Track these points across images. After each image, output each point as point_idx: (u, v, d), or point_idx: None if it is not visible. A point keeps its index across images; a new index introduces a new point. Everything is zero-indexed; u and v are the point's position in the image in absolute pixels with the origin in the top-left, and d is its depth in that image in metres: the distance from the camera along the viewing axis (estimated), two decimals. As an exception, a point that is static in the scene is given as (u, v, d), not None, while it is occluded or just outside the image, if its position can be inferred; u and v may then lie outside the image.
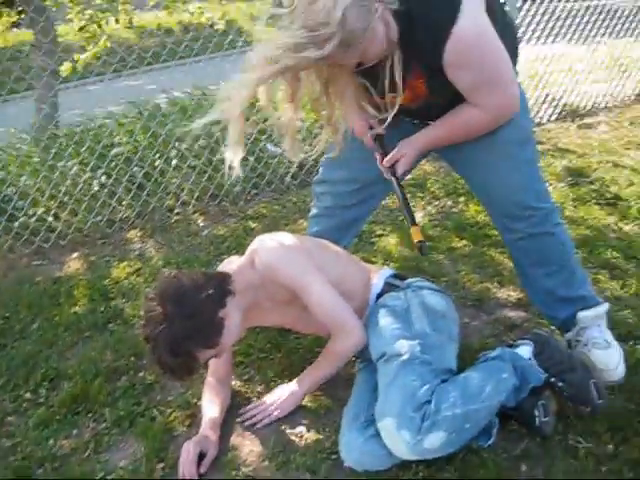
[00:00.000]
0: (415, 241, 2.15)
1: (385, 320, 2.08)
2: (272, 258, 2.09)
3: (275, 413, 2.12)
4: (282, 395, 2.16)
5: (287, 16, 1.75)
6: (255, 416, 2.13)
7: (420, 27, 1.82)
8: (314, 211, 2.56)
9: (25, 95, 6.41)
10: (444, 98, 1.99)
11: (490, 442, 1.93)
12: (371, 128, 2.21)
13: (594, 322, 2.23)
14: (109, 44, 5.05)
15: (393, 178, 2.19)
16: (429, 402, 1.83)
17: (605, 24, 5.63)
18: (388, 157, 2.14)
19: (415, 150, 2.14)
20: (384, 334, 2.05)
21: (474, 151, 2.11)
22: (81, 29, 4.56)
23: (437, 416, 1.80)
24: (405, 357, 1.94)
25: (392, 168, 2.17)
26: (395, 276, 2.28)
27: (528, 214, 2.14)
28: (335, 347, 2.13)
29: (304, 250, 2.14)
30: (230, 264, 2.21)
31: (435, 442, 1.80)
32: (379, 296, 2.20)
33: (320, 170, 2.51)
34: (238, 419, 2.15)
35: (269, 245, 2.13)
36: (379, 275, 2.26)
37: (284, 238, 2.18)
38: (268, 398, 2.18)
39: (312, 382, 2.16)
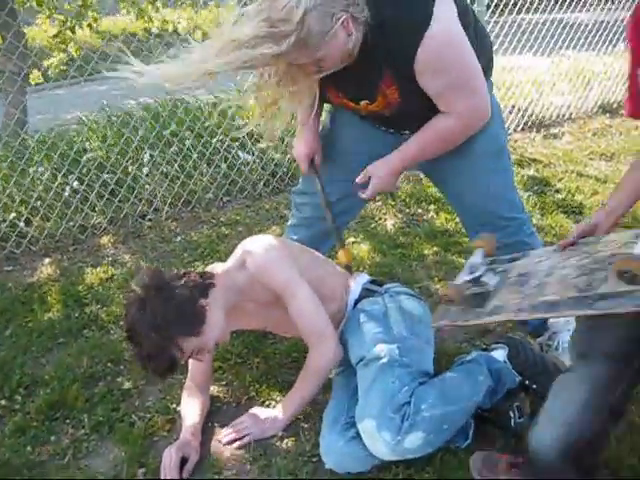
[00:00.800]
0: (344, 264, 2.34)
1: (364, 325, 2.12)
2: (266, 260, 2.10)
3: (254, 437, 2.09)
4: (265, 418, 2.14)
5: (253, 11, 1.77)
6: (231, 434, 2.11)
7: (392, 33, 1.84)
8: (293, 221, 2.58)
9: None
10: (416, 106, 2.00)
11: (467, 443, 1.99)
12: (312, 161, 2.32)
13: (565, 327, 2.30)
14: (78, 51, 5.05)
15: (324, 203, 2.34)
16: (408, 403, 1.88)
17: (569, 37, 5.77)
18: (360, 176, 2.17)
19: (391, 171, 2.16)
20: (363, 338, 2.09)
21: (450, 162, 2.15)
22: (55, 36, 4.52)
23: (416, 417, 1.85)
24: (384, 360, 1.99)
25: (358, 186, 2.22)
26: (372, 282, 2.32)
27: (503, 224, 2.20)
28: (312, 365, 2.13)
29: (291, 255, 2.16)
30: (214, 269, 2.23)
31: (414, 442, 1.84)
32: (357, 301, 2.24)
33: (300, 181, 2.53)
34: (219, 437, 2.13)
35: (263, 247, 2.14)
36: (357, 281, 2.30)
37: (273, 241, 2.20)
38: (250, 418, 2.15)
39: (296, 408, 2.15)
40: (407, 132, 2.15)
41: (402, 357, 2.00)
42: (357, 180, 2.18)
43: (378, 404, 1.89)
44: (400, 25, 1.84)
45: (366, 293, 2.25)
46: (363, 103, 2.03)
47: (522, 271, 1.77)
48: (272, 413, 2.15)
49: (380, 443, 1.85)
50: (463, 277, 1.80)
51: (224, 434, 2.12)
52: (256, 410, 2.18)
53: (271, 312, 2.19)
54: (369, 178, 2.15)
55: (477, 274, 1.78)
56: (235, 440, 2.09)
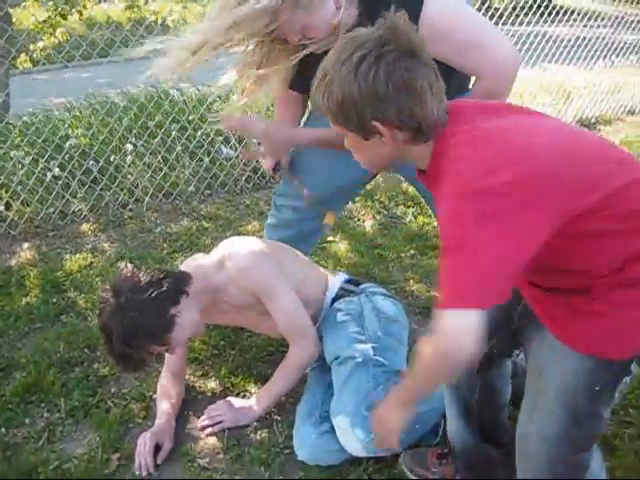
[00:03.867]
0: (328, 225, 2.38)
1: (340, 323, 2.17)
2: (246, 263, 2.12)
3: (227, 424, 2.14)
4: (239, 407, 2.19)
5: None
6: (205, 421, 2.16)
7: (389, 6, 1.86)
8: (272, 220, 2.58)
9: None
10: None
11: (437, 440, 2.04)
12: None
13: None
14: (65, 36, 5.04)
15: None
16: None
17: (552, 51, 5.87)
18: None
19: None
20: (339, 337, 2.14)
21: None
22: (45, 20, 4.51)
23: None
24: (359, 359, 2.04)
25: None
26: (349, 281, 2.37)
27: None
28: (293, 359, 2.18)
29: (272, 256, 2.19)
30: (195, 261, 2.26)
31: None
32: (334, 300, 2.29)
33: (281, 182, 2.56)
34: (198, 422, 2.18)
35: (243, 249, 2.16)
36: (335, 280, 2.35)
37: (254, 243, 2.22)
38: (225, 405, 2.20)
39: (271, 399, 2.19)
40: None
41: (376, 357, 2.05)
42: None
43: (352, 401, 1.94)
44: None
45: (343, 292, 2.30)
46: None
47: None
48: (247, 403, 2.20)
49: (353, 440, 1.90)
50: None
51: (200, 420, 2.16)
52: (232, 399, 2.23)
53: (245, 313, 2.23)
54: None
55: None
56: (208, 426, 2.14)
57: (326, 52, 1.87)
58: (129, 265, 2.05)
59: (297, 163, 2.37)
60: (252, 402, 2.20)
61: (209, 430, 2.13)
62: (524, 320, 1.48)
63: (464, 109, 1.38)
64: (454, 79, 1.91)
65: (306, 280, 2.26)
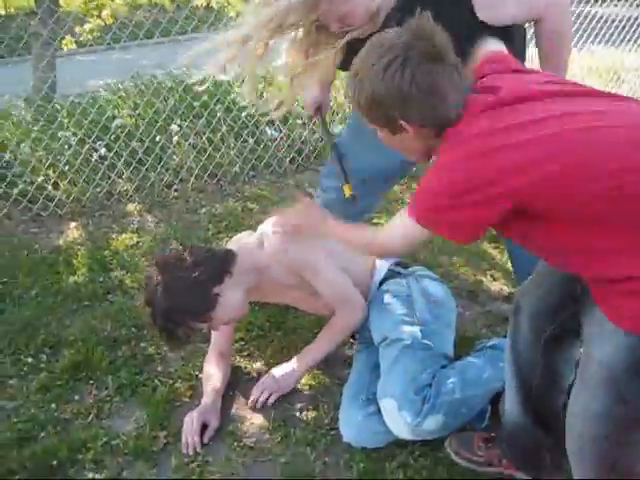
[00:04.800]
0: (346, 195, 2.35)
1: (388, 305, 2.16)
2: (282, 243, 2.12)
3: (274, 394, 2.17)
4: (281, 374, 2.21)
5: None
6: (258, 397, 2.17)
7: None
8: (318, 201, 2.57)
9: (19, 60, 6.36)
10: None
11: (484, 425, 2.02)
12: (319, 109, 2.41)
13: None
14: (111, 17, 5.08)
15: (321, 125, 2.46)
16: (429, 386, 1.91)
17: (601, 32, 5.72)
18: None
19: None
20: (387, 319, 2.12)
21: None
22: (92, 1, 4.54)
23: (437, 400, 1.88)
24: (407, 342, 2.02)
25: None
26: (398, 264, 2.34)
27: None
28: (339, 322, 2.20)
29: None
30: (239, 241, 2.26)
31: (434, 424, 1.88)
32: (382, 282, 2.27)
33: (326, 164, 2.55)
34: (249, 400, 2.19)
35: (274, 241, 2.14)
36: (383, 261, 2.32)
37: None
38: (269, 377, 2.22)
39: (312, 359, 2.22)
40: None
41: (424, 340, 2.03)
42: None
43: (400, 384, 1.92)
44: None
45: (391, 274, 2.28)
46: None
47: None
48: (287, 368, 2.22)
49: (401, 423, 1.89)
50: None
51: (250, 400, 2.17)
52: (271, 371, 2.24)
53: (291, 292, 2.23)
54: None
55: None
56: (264, 402, 2.16)
57: (371, 35, 1.88)
58: (180, 243, 2.07)
59: (342, 146, 2.39)
60: (292, 365, 2.22)
61: (260, 401, 2.16)
62: (586, 299, 1.45)
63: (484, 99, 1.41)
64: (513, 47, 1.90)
65: (353, 260, 2.24)
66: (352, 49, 1.95)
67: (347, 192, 2.35)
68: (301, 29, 1.95)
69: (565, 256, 1.41)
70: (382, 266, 2.30)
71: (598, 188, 1.27)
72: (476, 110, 1.39)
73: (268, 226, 2.18)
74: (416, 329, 2.06)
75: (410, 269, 2.31)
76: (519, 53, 2.01)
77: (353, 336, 2.34)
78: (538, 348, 1.67)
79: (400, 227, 1.51)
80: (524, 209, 1.32)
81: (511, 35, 1.94)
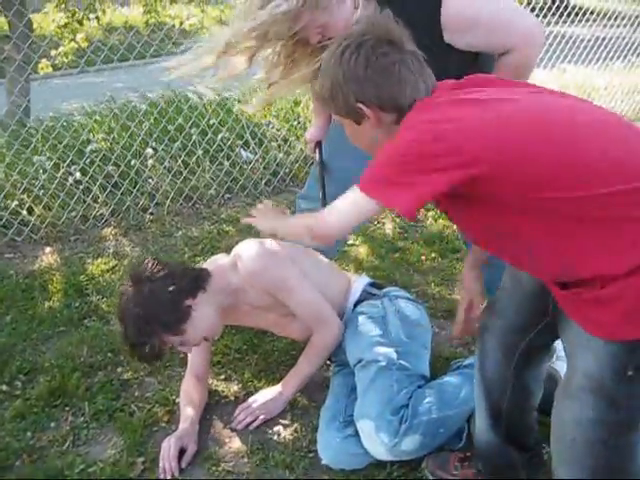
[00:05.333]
0: None
1: (363, 327, 2.17)
2: (255, 265, 2.14)
3: (262, 416, 2.18)
4: (269, 398, 2.22)
5: None
6: (244, 419, 2.18)
7: (411, 3, 1.84)
8: None
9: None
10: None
11: (460, 445, 2.03)
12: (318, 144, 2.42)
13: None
14: (85, 41, 5.08)
15: (317, 154, 2.43)
16: (406, 406, 1.93)
17: (571, 52, 5.84)
18: None
19: None
20: (362, 340, 2.14)
21: None
22: (65, 25, 4.55)
23: (414, 420, 1.90)
24: (382, 363, 2.04)
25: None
26: (372, 285, 2.37)
27: None
28: (318, 342, 2.21)
29: (287, 256, 2.20)
30: (215, 262, 2.27)
31: (411, 445, 1.89)
32: (357, 303, 2.29)
33: (305, 186, 2.57)
34: (232, 423, 2.20)
35: (253, 251, 2.17)
36: (357, 283, 2.35)
37: (268, 245, 2.21)
38: (254, 400, 2.23)
39: (297, 383, 2.24)
40: None
41: (400, 360, 2.05)
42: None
43: (377, 406, 1.93)
44: None
45: (366, 296, 2.30)
46: None
47: None
48: (275, 391, 2.23)
49: (378, 444, 1.90)
50: None
51: (237, 420, 2.18)
52: (257, 395, 2.25)
53: (266, 315, 2.25)
54: None
55: None
56: (250, 423, 2.17)
57: None
58: (150, 258, 2.09)
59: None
60: (279, 389, 2.23)
61: (253, 426, 2.16)
62: (559, 313, 1.48)
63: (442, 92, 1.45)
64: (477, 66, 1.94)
65: (328, 283, 2.27)
66: None
67: None
68: (279, 43, 1.96)
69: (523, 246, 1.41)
70: (357, 288, 2.32)
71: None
72: (440, 94, 1.42)
73: (242, 248, 2.20)
74: (391, 350, 2.07)
75: (385, 290, 2.33)
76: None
77: (330, 358, 2.35)
78: (508, 367, 1.68)
79: (347, 202, 1.47)
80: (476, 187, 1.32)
81: (479, 59, 1.98)
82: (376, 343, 2.10)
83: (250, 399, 2.24)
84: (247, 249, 2.19)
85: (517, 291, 1.66)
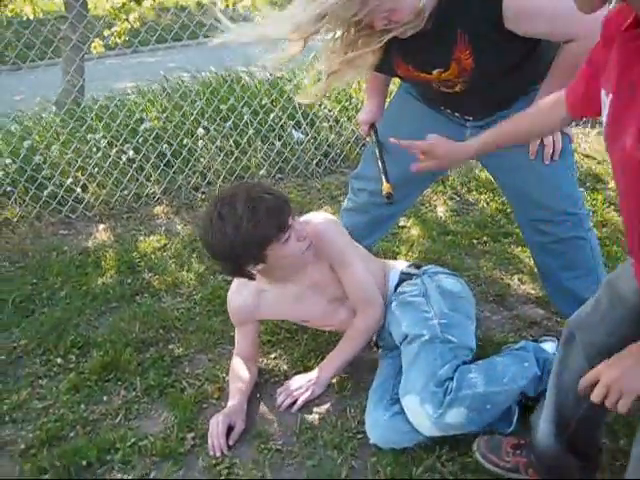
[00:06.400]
0: (384, 192, 2.27)
1: (405, 305, 2.17)
2: (323, 227, 2.18)
3: (302, 397, 2.17)
4: (311, 379, 2.22)
5: None
6: (284, 401, 2.18)
7: None
8: (348, 204, 2.59)
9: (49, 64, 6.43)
10: (491, 70, 1.95)
11: (510, 429, 2.01)
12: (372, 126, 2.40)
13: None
14: (138, 21, 5.13)
15: (374, 135, 2.39)
16: (451, 379, 1.91)
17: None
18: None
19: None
20: (405, 318, 2.13)
21: (516, 157, 2.12)
22: (122, 5, 4.59)
23: (459, 392, 1.88)
24: (426, 337, 2.03)
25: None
26: (410, 266, 2.37)
27: (563, 219, 2.19)
28: (361, 324, 2.22)
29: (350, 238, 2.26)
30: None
31: (457, 418, 1.87)
32: (397, 287, 2.29)
33: (359, 165, 2.55)
34: (276, 402, 2.20)
35: (321, 217, 2.25)
36: (395, 268, 2.36)
37: (333, 217, 2.32)
38: (296, 381, 2.23)
39: (337, 365, 2.24)
40: (470, 118, 2.16)
41: (444, 334, 2.04)
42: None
43: (421, 380, 1.93)
44: None
45: (405, 277, 2.31)
46: (436, 72, 2.00)
47: None
48: (314, 374, 2.23)
49: (423, 416, 1.89)
50: None
51: (279, 400, 2.18)
52: (297, 376, 2.25)
53: (319, 298, 2.24)
54: None
55: None
56: (291, 405, 2.17)
57: (411, 36, 1.88)
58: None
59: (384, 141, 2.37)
60: (320, 370, 2.24)
61: (295, 407, 2.16)
62: None
63: None
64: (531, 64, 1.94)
65: (370, 268, 2.28)
66: (389, 50, 1.97)
67: (386, 190, 2.29)
68: (341, 28, 1.93)
69: None
70: (395, 272, 2.33)
71: None
72: None
73: (312, 215, 2.28)
74: (434, 323, 2.07)
75: (423, 268, 2.33)
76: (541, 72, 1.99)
77: (376, 343, 2.35)
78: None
79: None
80: None
81: (537, 53, 1.94)
82: (419, 319, 2.10)
83: (289, 381, 2.24)
84: (314, 215, 2.27)
85: (615, 308, 1.50)
